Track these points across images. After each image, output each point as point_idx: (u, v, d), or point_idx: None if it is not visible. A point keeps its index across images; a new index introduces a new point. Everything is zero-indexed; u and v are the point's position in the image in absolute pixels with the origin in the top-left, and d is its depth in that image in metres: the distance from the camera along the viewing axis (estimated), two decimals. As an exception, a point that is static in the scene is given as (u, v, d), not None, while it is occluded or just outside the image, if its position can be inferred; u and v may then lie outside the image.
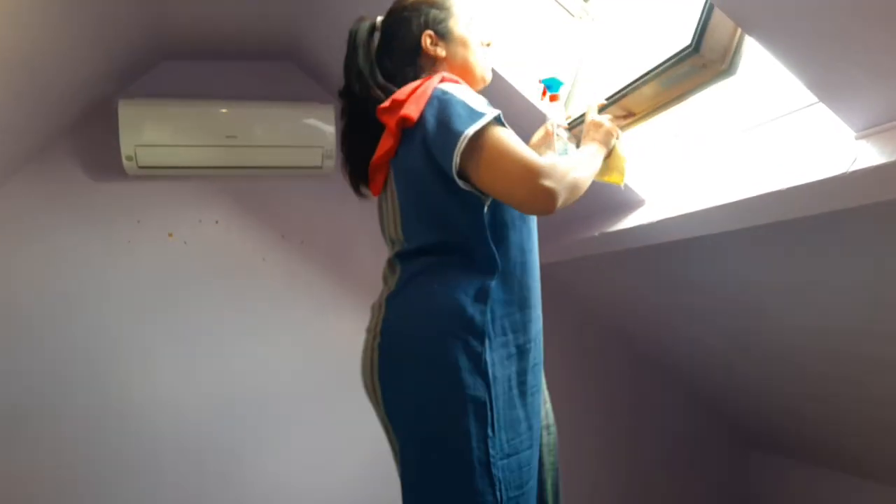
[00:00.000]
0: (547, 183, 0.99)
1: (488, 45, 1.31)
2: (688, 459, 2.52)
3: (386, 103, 1.14)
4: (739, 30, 1.14)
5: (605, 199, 1.72)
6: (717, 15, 1.13)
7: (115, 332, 2.17)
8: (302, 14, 1.98)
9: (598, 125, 1.27)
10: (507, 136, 1.04)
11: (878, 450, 1.79)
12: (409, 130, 1.10)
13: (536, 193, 1.00)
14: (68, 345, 2.13)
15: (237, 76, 2.29)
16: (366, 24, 1.26)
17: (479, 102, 1.08)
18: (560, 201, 1.01)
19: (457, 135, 1.01)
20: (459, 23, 1.25)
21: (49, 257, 2.13)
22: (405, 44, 1.23)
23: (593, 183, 1.22)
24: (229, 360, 2.25)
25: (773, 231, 1.27)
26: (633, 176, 1.45)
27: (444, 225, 1.11)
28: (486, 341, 1.07)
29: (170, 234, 2.23)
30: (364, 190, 1.28)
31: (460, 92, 1.09)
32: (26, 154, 2.10)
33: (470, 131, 1.01)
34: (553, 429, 1.25)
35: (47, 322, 2.12)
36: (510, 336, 1.11)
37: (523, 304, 1.15)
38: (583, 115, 1.38)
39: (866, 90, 1.00)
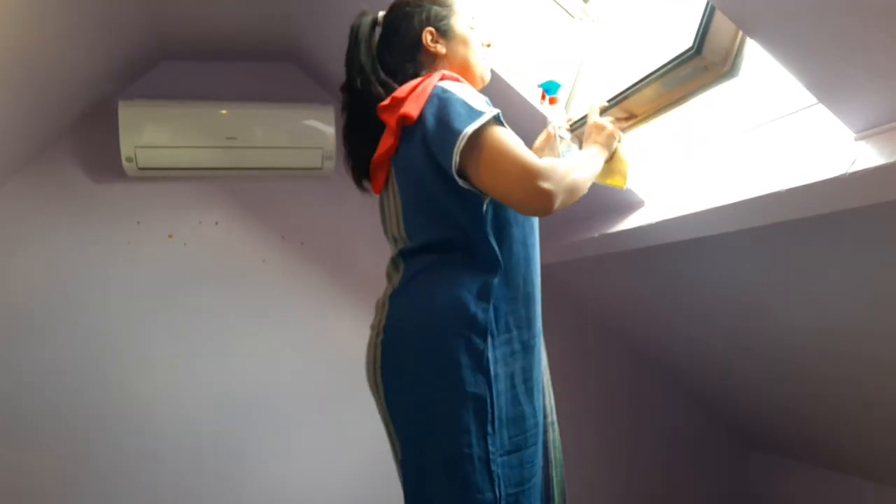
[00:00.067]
0: (545, 184, 0.99)
1: (488, 45, 1.31)
2: (688, 459, 2.52)
3: (386, 101, 1.14)
4: (741, 32, 1.14)
5: (605, 200, 1.72)
6: (719, 17, 1.13)
7: (115, 332, 2.17)
8: (302, 14, 1.97)
9: (600, 128, 1.28)
10: (506, 136, 1.04)
11: (878, 450, 1.79)
12: (410, 128, 1.10)
13: (534, 194, 1.00)
14: (68, 345, 2.13)
15: (237, 77, 2.29)
16: (368, 19, 1.26)
17: (478, 101, 1.08)
18: (558, 203, 1.02)
19: (456, 133, 1.02)
20: (461, 21, 1.26)
21: (49, 258, 2.13)
22: (406, 39, 1.23)
23: (593, 184, 1.22)
24: (229, 361, 2.25)
25: (772, 232, 1.27)
26: (633, 177, 1.45)
27: (446, 222, 1.11)
28: (489, 339, 1.07)
29: (170, 236, 2.24)
30: (366, 184, 1.28)
31: (460, 90, 1.09)
32: (26, 154, 2.10)
33: (469, 130, 1.01)
34: (556, 425, 1.26)
35: (47, 322, 2.12)
36: (514, 332, 1.12)
37: (527, 300, 1.15)
38: (584, 118, 1.38)
39: (866, 91, 1.00)
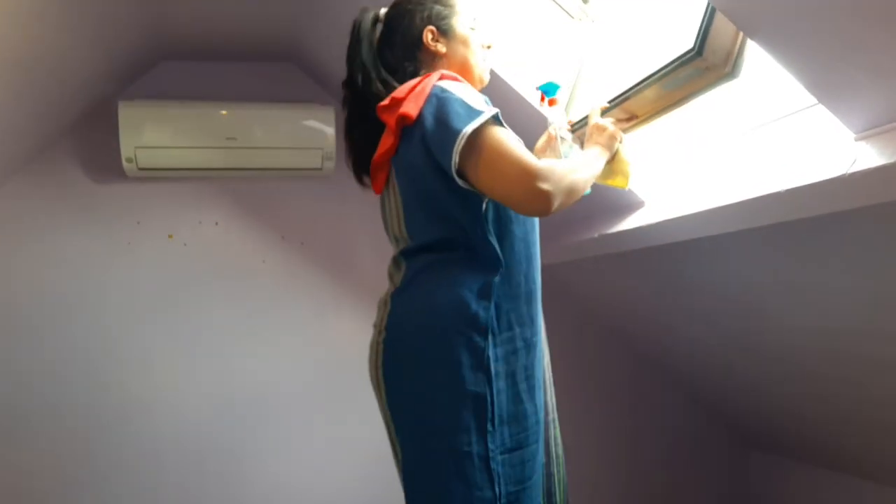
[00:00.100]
0: (543, 185, 0.99)
1: (489, 47, 1.31)
2: (688, 459, 2.52)
3: (385, 101, 1.14)
4: (742, 33, 1.14)
5: (605, 200, 1.73)
6: (720, 18, 1.13)
7: (115, 332, 2.17)
8: (302, 15, 1.97)
9: (601, 129, 1.28)
10: (505, 137, 1.04)
11: (878, 450, 1.79)
12: (409, 128, 1.10)
13: (533, 195, 1.00)
14: (68, 345, 2.13)
15: (237, 77, 2.29)
16: (370, 15, 1.26)
17: (477, 100, 1.08)
18: (556, 204, 1.02)
19: (455, 133, 1.02)
20: (462, 21, 1.26)
21: (49, 258, 2.13)
22: (407, 37, 1.23)
23: (593, 184, 1.22)
24: (229, 361, 2.25)
25: (772, 232, 1.27)
26: (633, 177, 1.45)
27: (447, 222, 1.11)
28: (490, 337, 1.07)
29: (170, 236, 2.24)
30: (366, 181, 1.28)
31: (459, 90, 1.09)
32: (26, 154, 2.10)
33: (468, 130, 1.01)
34: (557, 422, 1.26)
35: (47, 322, 2.12)
36: (517, 330, 1.12)
37: (529, 297, 1.15)
38: (586, 118, 1.38)
39: (866, 91, 1.00)
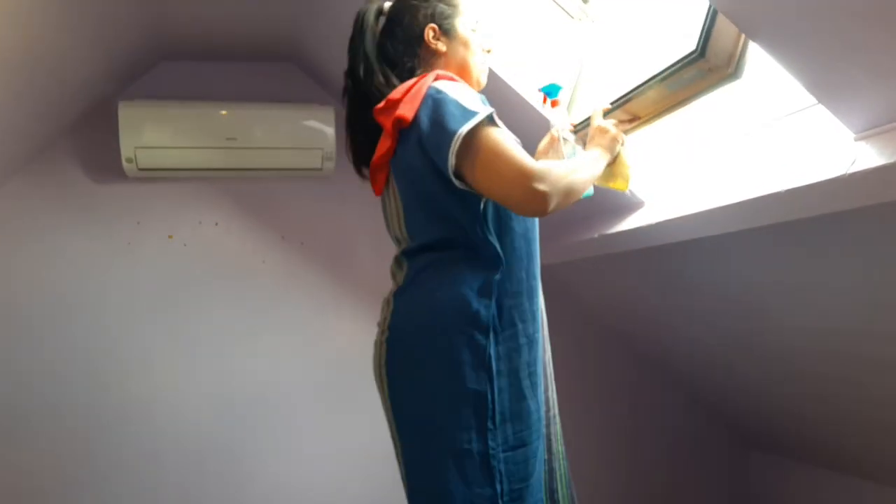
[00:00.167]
0: (540, 186, 0.99)
1: (488, 51, 1.32)
2: (688, 459, 2.52)
3: (381, 104, 1.15)
4: (744, 34, 1.15)
5: (605, 200, 1.73)
6: (722, 19, 1.13)
7: (115, 332, 2.17)
8: (302, 15, 1.98)
9: (603, 131, 1.28)
10: (501, 137, 1.04)
11: (878, 450, 1.79)
12: (406, 131, 1.11)
13: (529, 196, 1.00)
14: (68, 345, 2.13)
15: (237, 77, 2.29)
16: (374, 7, 1.27)
17: (472, 100, 1.08)
18: (553, 204, 1.02)
19: (451, 135, 1.02)
20: (464, 23, 1.26)
21: (49, 258, 2.13)
22: (408, 32, 1.23)
23: (594, 186, 1.22)
24: (229, 361, 2.25)
25: (772, 232, 1.27)
26: (633, 181, 1.45)
27: (446, 222, 1.12)
28: (492, 335, 1.08)
29: (170, 236, 2.24)
30: (365, 172, 1.29)
31: (454, 90, 1.10)
32: (26, 155, 2.10)
33: (463, 130, 1.02)
34: (558, 418, 1.26)
35: (47, 322, 2.12)
36: (520, 326, 1.12)
37: (531, 294, 1.16)
38: (588, 120, 1.38)
39: (866, 91, 1.00)
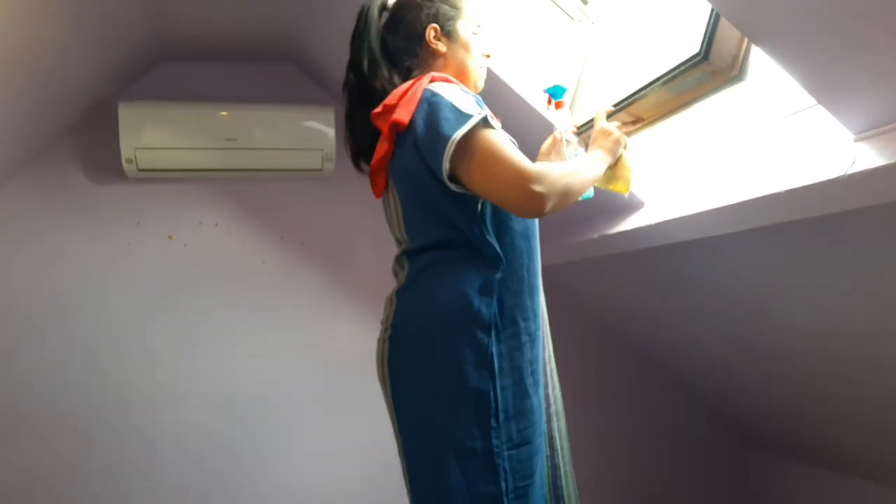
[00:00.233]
0: (536, 187, 1.00)
1: (488, 56, 1.32)
2: (688, 459, 2.52)
3: (378, 108, 1.15)
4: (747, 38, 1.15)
5: (605, 201, 1.72)
6: (725, 23, 1.13)
7: (116, 333, 2.17)
8: (303, 16, 1.98)
9: (606, 133, 1.28)
10: (496, 139, 1.05)
11: (878, 450, 1.79)
12: (402, 134, 1.11)
13: (525, 197, 1.01)
14: (68, 345, 2.13)
15: (237, 78, 2.29)
16: (378, 2, 1.27)
17: (467, 102, 1.08)
18: (550, 205, 1.02)
19: (445, 140, 1.02)
20: (466, 26, 1.27)
21: (49, 259, 2.13)
22: (410, 29, 1.24)
23: (594, 188, 1.22)
24: (229, 362, 2.25)
25: (772, 233, 1.28)
26: (634, 184, 1.45)
27: (445, 223, 1.12)
28: (494, 333, 1.08)
29: (170, 237, 2.24)
30: (364, 167, 1.29)
31: (449, 92, 1.10)
32: (26, 155, 2.10)
33: (457, 136, 1.02)
34: (562, 414, 1.26)
35: (47, 323, 2.12)
36: (521, 325, 1.13)
37: (532, 291, 1.16)
38: (591, 121, 1.38)
39: (865, 92, 1.00)
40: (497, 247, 1.10)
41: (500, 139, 1.05)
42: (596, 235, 1.79)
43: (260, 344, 2.27)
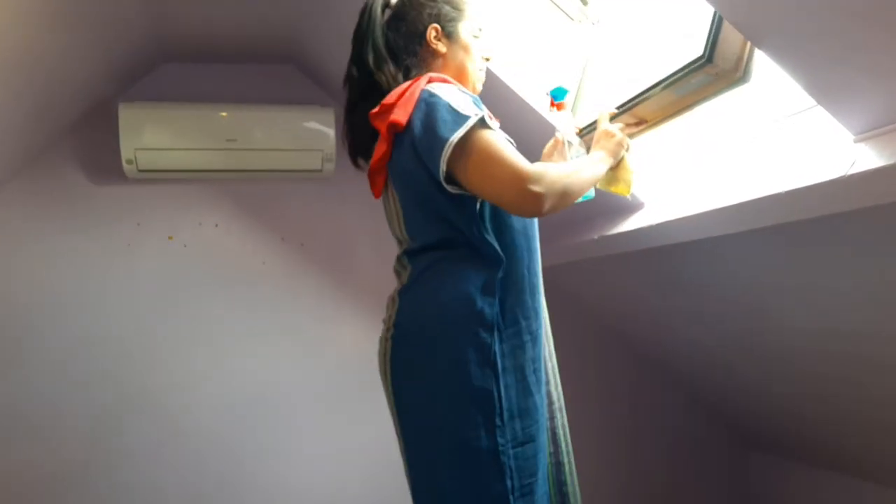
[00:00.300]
0: (534, 187, 1.00)
1: (487, 59, 1.32)
2: (688, 459, 2.52)
3: (376, 109, 1.15)
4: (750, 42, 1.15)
5: (605, 202, 1.72)
6: (728, 25, 1.13)
7: (115, 334, 2.17)
8: (303, 16, 1.98)
9: (609, 134, 1.28)
10: (493, 140, 1.05)
11: (878, 450, 1.79)
12: (400, 135, 1.11)
13: (523, 197, 1.01)
14: (68, 347, 2.13)
15: (237, 79, 2.29)
16: (380, 0, 1.27)
17: (465, 103, 1.08)
18: (548, 205, 1.03)
19: (442, 141, 1.03)
20: (467, 28, 1.27)
21: (49, 259, 2.13)
22: (411, 28, 1.24)
23: (595, 189, 1.22)
24: (229, 363, 2.25)
25: (772, 234, 1.28)
26: (635, 186, 1.46)
27: (444, 223, 1.12)
28: (496, 332, 1.08)
29: (170, 237, 2.24)
30: (362, 163, 1.29)
31: (447, 93, 1.10)
32: (26, 156, 2.10)
33: (455, 138, 1.02)
34: (564, 411, 1.26)
35: (47, 323, 2.12)
36: (523, 323, 1.13)
37: (533, 290, 1.17)
38: (594, 123, 1.38)
39: (865, 92, 1.00)
40: (497, 246, 1.10)
41: (496, 139, 1.05)
42: (596, 236, 1.79)
43: (260, 344, 2.27)
